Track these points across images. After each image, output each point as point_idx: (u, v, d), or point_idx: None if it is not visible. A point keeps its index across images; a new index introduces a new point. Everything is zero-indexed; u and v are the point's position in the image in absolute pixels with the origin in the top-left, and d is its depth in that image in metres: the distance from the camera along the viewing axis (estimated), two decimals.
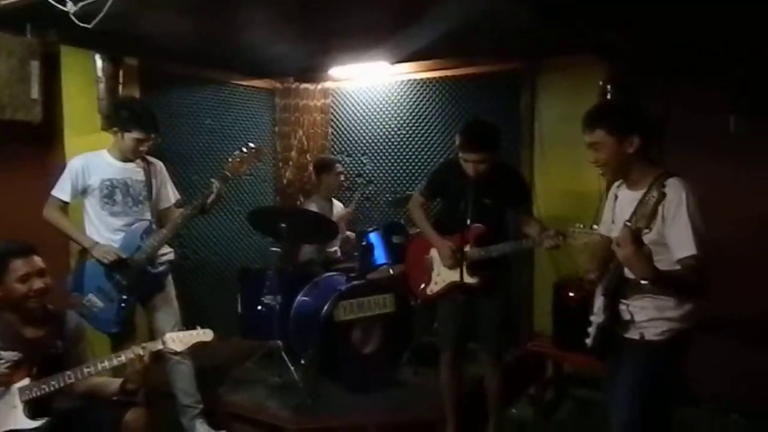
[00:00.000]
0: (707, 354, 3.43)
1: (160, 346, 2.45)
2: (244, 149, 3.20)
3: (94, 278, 3.01)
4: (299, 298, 3.78)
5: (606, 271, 2.24)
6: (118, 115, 3.08)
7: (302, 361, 3.41)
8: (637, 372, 2.17)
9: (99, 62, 3.54)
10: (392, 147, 4.96)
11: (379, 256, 3.82)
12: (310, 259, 4.30)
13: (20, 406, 2.27)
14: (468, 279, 2.92)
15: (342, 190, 4.64)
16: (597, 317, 2.28)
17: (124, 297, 2.99)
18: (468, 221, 2.84)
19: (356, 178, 5.04)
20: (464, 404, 3.24)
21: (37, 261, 2.39)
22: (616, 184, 2.38)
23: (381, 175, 5.01)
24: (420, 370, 3.81)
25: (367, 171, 5.03)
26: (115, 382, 2.46)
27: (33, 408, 2.29)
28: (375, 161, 5.03)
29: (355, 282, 3.68)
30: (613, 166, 2.20)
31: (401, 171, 4.92)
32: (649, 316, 2.16)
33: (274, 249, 3.72)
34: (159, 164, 3.29)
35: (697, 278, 2.01)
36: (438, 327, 3.27)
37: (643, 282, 1.99)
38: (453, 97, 4.64)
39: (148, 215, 3.15)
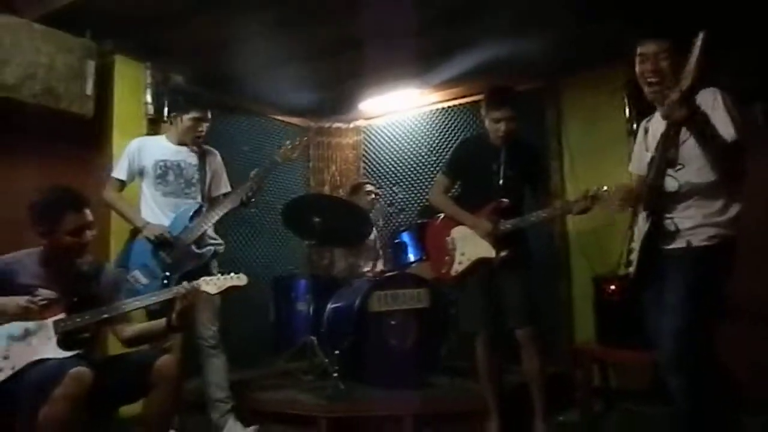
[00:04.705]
0: (755, 352, 3.24)
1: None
2: (298, 139, 3.32)
3: (140, 256, 3.05)
4: (333, 298, 3.75)
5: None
6: (175, 100, 3.21)
7: (336, 352, 3.30)
8: (687, 281, 2.08)
9: (148, 72, 3.81)
10: (422, 174, 5.08)
11: (412, 254, 3.80)
12: (344, 277, 4.27)
13: (54, 338, 2.27)
14: (500, 253, 2.86)
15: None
16: (639, 239, 2.22)
17: (167, 274, 2.98)
18: (501, 183, 2.84)
19: (388, 208, 5.10)
20: (506, 399, 3.06)
21: (88, 214, 2.43)
22: (646, 119, 2.41)
23: (412, 201, 5.08)
24: (456, 379, 3.63)
25: (399, 200, 5.10)
26: (161, 322, 2.48)
27: (67, 340, 2.29)
28: (406, 190, 5.12)
29: (389, 273, 3.63)
30: (670, 80, 2.11)
31: None
32: (695, 223, 2.11)
33: (308, 243, 3.72)
34: (215, 154, 3.36)
35: (734, 159, 2.01)
36: (465, 311, 3.16)
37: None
38: (479, 120, 4.75)
39: (200, 198, 3.19)
